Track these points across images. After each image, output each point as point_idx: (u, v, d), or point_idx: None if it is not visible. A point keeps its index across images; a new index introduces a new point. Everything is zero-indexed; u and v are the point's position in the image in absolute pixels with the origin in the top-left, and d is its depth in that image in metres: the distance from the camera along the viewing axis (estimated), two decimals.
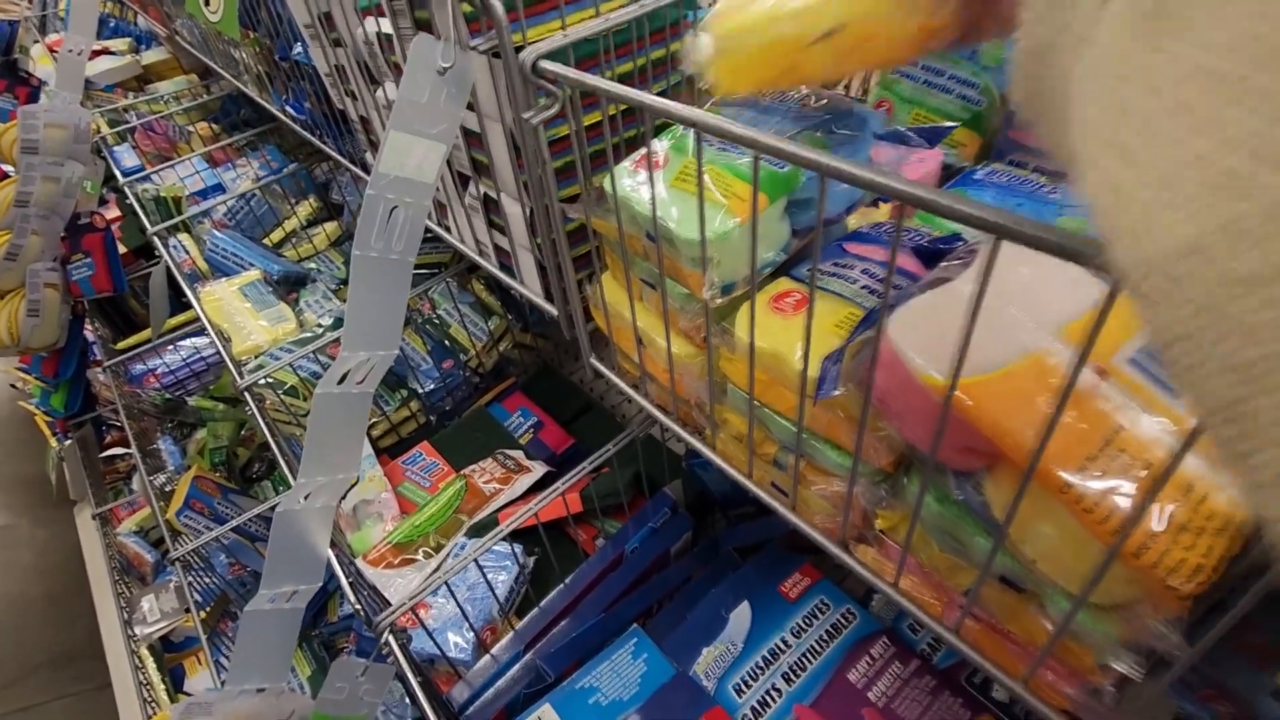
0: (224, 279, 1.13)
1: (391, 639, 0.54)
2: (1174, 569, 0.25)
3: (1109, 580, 0.28)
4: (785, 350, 0.38)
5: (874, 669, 0.55)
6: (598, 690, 0.55)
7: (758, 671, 0.55)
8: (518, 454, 0.89)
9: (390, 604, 0.60)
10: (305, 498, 0.57)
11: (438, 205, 0.73)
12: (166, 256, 1.17)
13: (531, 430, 0.97)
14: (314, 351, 0.93)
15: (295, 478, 0.55)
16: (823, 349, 0.37)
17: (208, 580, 1.27)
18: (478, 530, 0.76)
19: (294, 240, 1.40)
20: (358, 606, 0.57)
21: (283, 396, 0.92)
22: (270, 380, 0.91)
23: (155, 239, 1.20)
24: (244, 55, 1.06)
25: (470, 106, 0.54)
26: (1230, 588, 0.27)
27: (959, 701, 0.53)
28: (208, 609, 1.27)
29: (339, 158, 0.91)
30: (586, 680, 0.56)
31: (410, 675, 0.53)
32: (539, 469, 0.85)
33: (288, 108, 0.98)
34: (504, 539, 0.71)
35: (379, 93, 0.70)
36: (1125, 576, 0.27)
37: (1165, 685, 0.28)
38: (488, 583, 0.67)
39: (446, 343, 1.07)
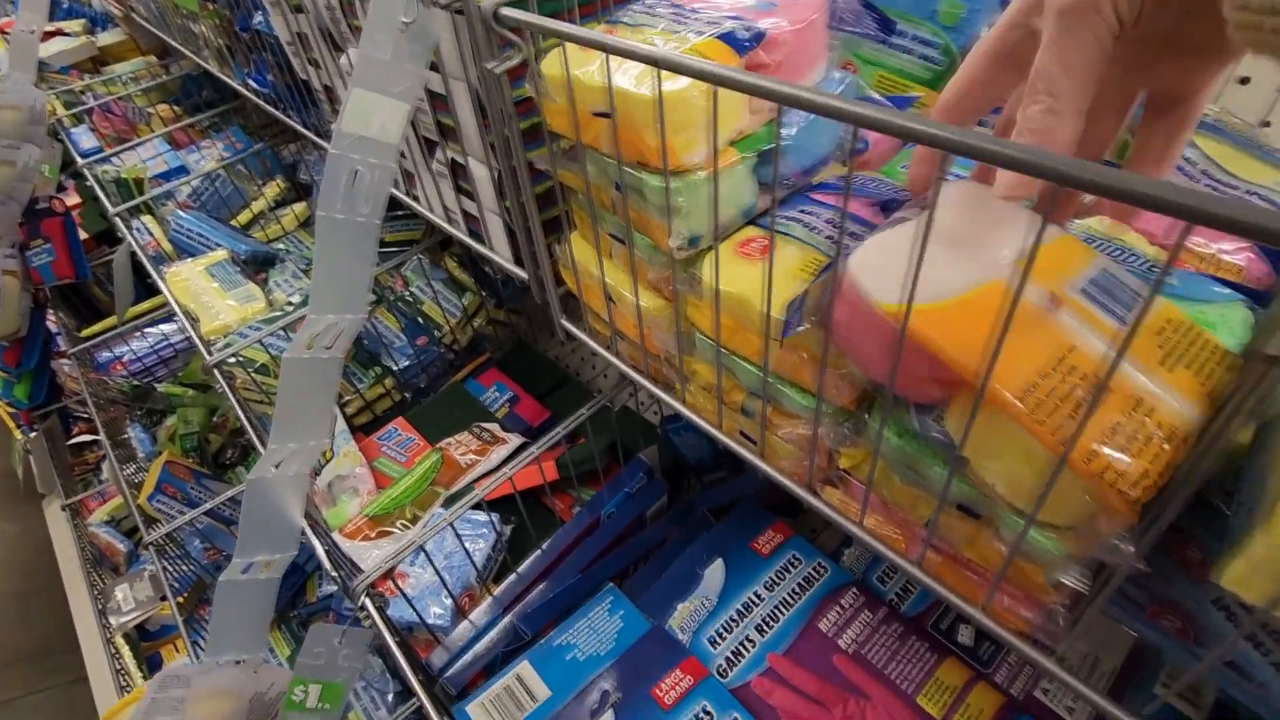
0: (190, 259, 1.11)
1: (369, 602, 0.54)
2: (1122, 474, 0.26)
3: (1062, 494, 0.29)
4: (751, 294, 0.38)
5: (844, 618, 0.57)
6: (574, 646, 0.55)
7: (731, 624, 0.57)
8: (493, 426, 0.89)
9: None
10: (277, 465, 0.56)
11: (406, 174, 0.72)
12: (129, 238, 1.15)
13: (507, 404, 0.97)
14: (284, 329, 0.92)
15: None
16: (787, 293, 0.38)
17: (183, 567, 1.26)
18: (454, 501, 0.76)
19: (262, 222, 1.38)
20: (334, 574, 0.57)
21: (253, 375, 0.91)
22: (240, 358, 0.90)
23: (117, 220, 1.18)
24: (203, 29, 1.04)
25: (435, 68, 0.54)
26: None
27: (925, 645, 0.55)
28: (184, 595, 1.26)
29: (304, 131, 0.89)
30: (563, 638, 0.56)
31: (389, 637, 0.53)
32: (515, 440, 0.86)
33: (250, 81, 0.96)
34: (481, 508, 0.71)
35: (342, 60, 0.69)
36: (1077, 488, 0.28)
37: (1108, 593, 0.29)
38: (465, 551, 0.67)
39: (420, 320, 1.06)
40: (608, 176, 0.42)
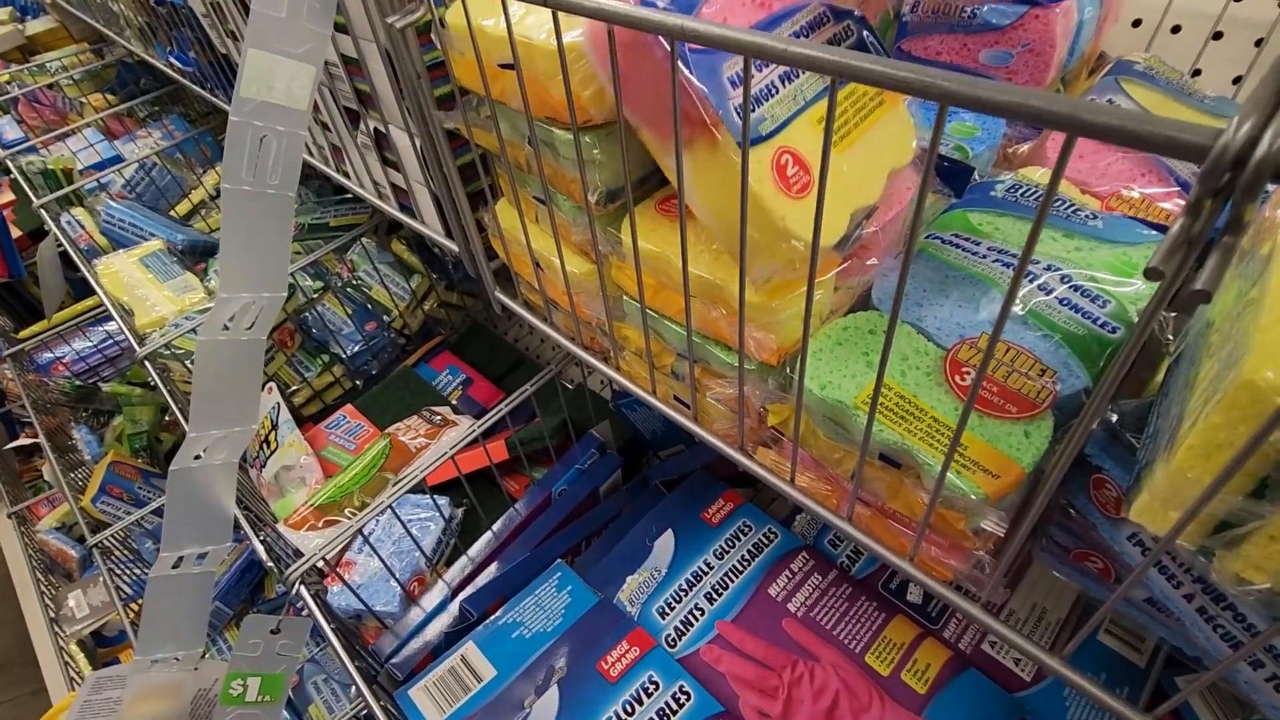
0: (123, 251, 1.07)
1: (305, 590, 0.53)
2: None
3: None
4: (672, 252, 0.37)
5: (794, 582, 0.56)
6: (521, 624, 0.54)
7: (681, 594, 0.56)
8: (444, 409, 0.87)
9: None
10: (200, 454, 0.54)
11: (333, 149, 0.69)
12: (56, 231, 1.10)
13: (461, 387, 0.95)
14: None
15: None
16: (710, 250, 0.37)
17: (137, 571, 1.22)
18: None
19: (203, 211, 1.33)
20: (270, 564, 0.55)
21: (190, 366, 0.88)
22: (176, 350, 0.87)
23: (43, 212, 1.12)
24: (122, 7, 0.99)
25: (345, 30, 0.51)
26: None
27: (874, 605, 0.54)
28: (139, 601, 1.23)
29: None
30: (510, 616, 0.55)
31: (325, 625, 0.51)
32: (467, 422, 0.84)
33: (173, 60, 0.92)
34: (424, 491, 0.69)
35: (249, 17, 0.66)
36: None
37: (1023, 536, 0.29)
38: (412, 536, 0.66)
39: (368, 305, 1.03)
40: (520, 133, 0.40)
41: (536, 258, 0.48)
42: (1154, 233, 0.38)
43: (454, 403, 0.92)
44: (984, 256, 0.38)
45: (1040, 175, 0.44)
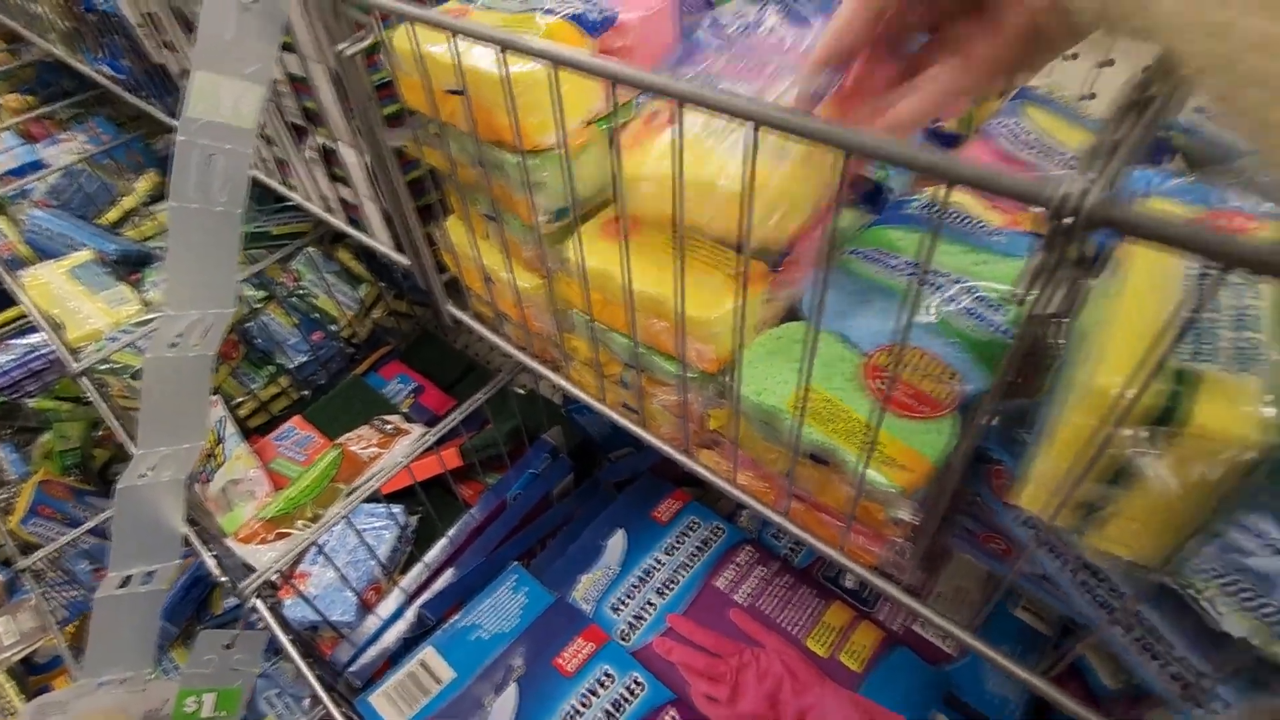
0: (51, 261, 1.03)
1: (260, 603, 0.53)
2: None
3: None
4: (615, 269, 0.39)
5: (740, 574, 0.59)
6: (479, 626, 0.56)
7: (633, 590, 0.58)
8: (396, 418, 0.87)
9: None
10: (148, 471, 0.54)
11: (279, 163, 0.69)
12: None
13: (412, 395, 0.95)
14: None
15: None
16: (650, 268, 0.39)
17: (71, 592, 1.18)
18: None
19: (135, 219, 1.29)
20: (223, 579, 0.55)
21: (130, 381, 0.86)
22: (113, 365, 0.84)
23: None
24: (44, 10, 0.95)
25: (293, 49, 0.52)
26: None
27: (814, 593, 0.58)
28: (75, 623, 1.18)
29: (167, 119, 0.84)
30: (468, 619, 0.57)
31: (283, 636, 0.52)
32: (419, 430, 0.84)
33: (103, 66, 0.89)
34: (383, 501, 0.70)
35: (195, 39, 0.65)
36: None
37: (935, 523, 0.32)
38: (367, 545, 0.66)
39: (315, 315, 1.02)
40: (468, 153, 0.42)
41: (487, 273, 0.50)
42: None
43: (405, 411, 0.92)
44: (900, 270, 0.42)
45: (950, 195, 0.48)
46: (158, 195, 1.32)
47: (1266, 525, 0.26)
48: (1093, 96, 0.64)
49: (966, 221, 0.44)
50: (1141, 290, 0.27)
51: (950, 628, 0.34)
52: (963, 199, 0.46)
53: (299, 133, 0.62)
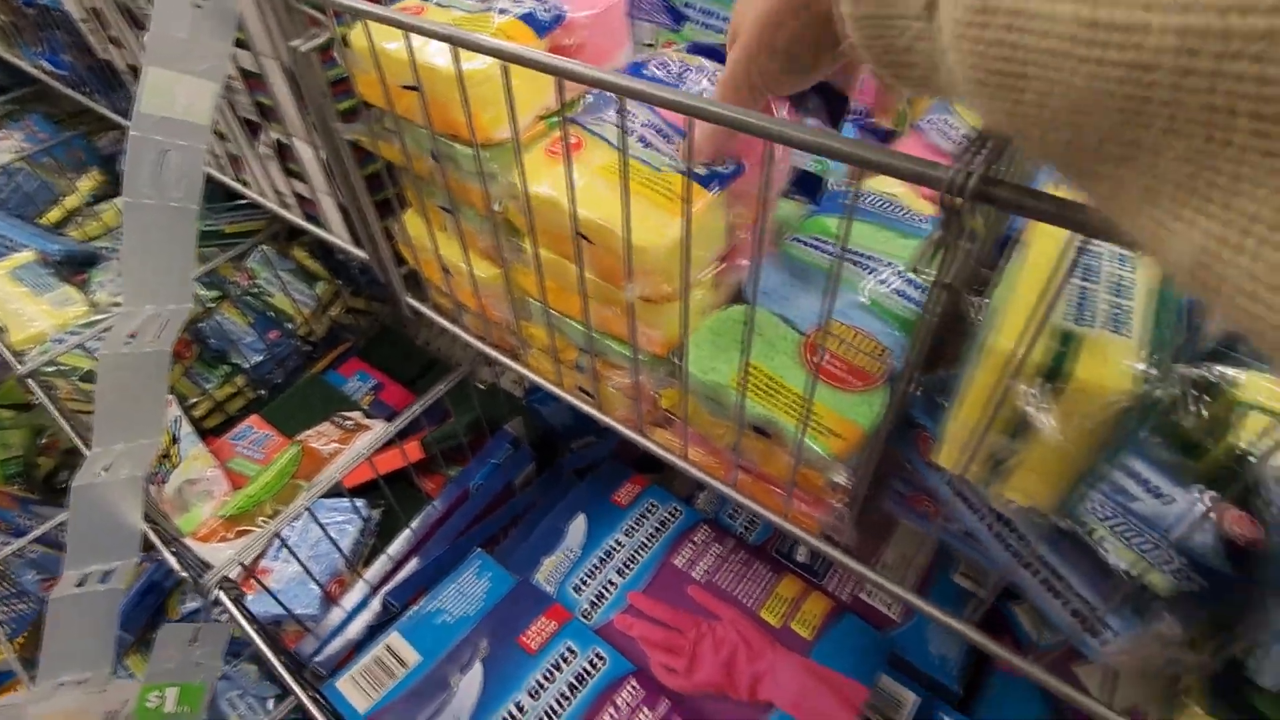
0: None
1: (223, 595, 0.53)
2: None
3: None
4: (560, 195, 0.38)
5: (697, 553, 0.62)
6: (444, 611, 0.57)
7: (594, 571, 0.60)
8: (356, 414, 0.87)
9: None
10: (105, 469, 0.54)
11: (232, 159, 0.69)
12: None
13: (372, 392, 0.95)
14: (104, 331, 0.85)
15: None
16: (605, 196, 0.39)
17: (19, 605, 1.14)
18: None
19: (79, 219, 1.25)
20: (185, 573, 0.55)
21: (79, 383, 0.84)
22: (61, 367, 0.83)
23: None
24: None
25: (247, 45, 0.52)
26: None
27: (767, 567, 0.61)
28: (23, 636, 1.14)
29: (113, 116, 0.83)
30: (432, 604, 0.58)
31: (247, 627, 0.52)
32: (380, 425, 0.85)
33: (43, 62, 0.87)
34: (342, 494, 0.71)
35: (146, 37, 0.65)
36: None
37: (864, 486, 0.35)
38: (330, 539, 0.67)
39: (270, 313, 1.02)
40: (424, 147, 0.44)
41: (445, 264, 0.51)
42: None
43: (365, 408, 0.92)
44: (836, 256, 0.45)
45: (881, 184, 0.51)
46: (102, 194, 1.29)
47: (1147, 472, 0.29)
48: None
49: (899, 210, 0.47)
50: (1039, 264, 0.30)
51: (892, 586, 0.37)
52: (896, 190, 0.49)
53: (253, 128, 0.62)
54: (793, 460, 0.37)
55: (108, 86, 0.79)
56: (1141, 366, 0.25)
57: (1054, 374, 0.25)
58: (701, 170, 0.38)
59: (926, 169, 0.22)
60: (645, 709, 0.50)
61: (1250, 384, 0.29)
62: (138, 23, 0.65)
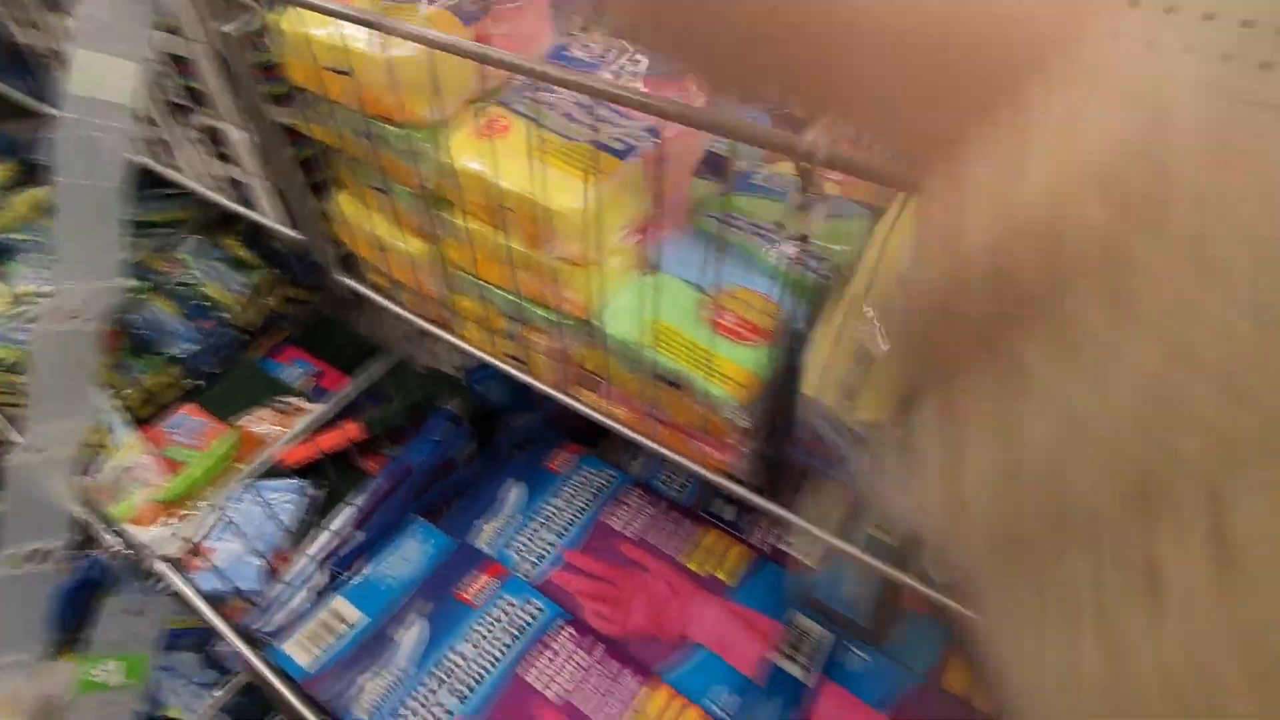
0: None
1: (166, 567, 0.55)
2: None
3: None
4: (489, 173, 0.41)
5: (630, 513, 0.66)
6: (387, 575, 0.60)
7: (532, 534, 0.64)
8: (295, 399, 0.88)
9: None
10: (39, 449, 0.54)
11: (162, 144, 0.69)
12: None
13: (311, 379, 0.96)
14: (32, 322, 0.83)
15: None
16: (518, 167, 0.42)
17: None
18: (261, 474, 0.76)
19: None
20: (123, 551, 0.56)
21: (6, 375, 0.82)
22: None
23: None
24: None
25: (175, 31, 0.53)
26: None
27: (694, 524, 0.66)
28: None
29: (31, 102, 0.81)
30: (376, 569, 0.61)
31: (192, 595, 0.54)
32: (319, 408, 0.86)
33: None
34: (288, 474, 0.72)
35: (69, 21, 0.65)
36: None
37: (761, 423, 0.40)
38: (274, 517, 0.68)
39: (203, 303, 1.01)
40: (355, 129, 0.46)
41: (380, 242, 0.54)
42: (860, 208, 0.52)
43: (305, 394, 0.93)
44: (743, 229, 0.49)
45: (788, 167, 0.56)
46: (15, 183, 1.24)
47: None
48: None
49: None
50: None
51: (808, 525, 0.42)
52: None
53: (183, 113, 0.63)
54: (700, 408, 0.42)
55: (25, 71, 0.77)
56: None
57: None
58: (618, 145, 0.42)
59: (786, 140, 0.27)
60: (581, 651, 0.54)
61: None
62: (54, 5, 0.65)
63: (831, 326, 0.32)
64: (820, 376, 0.34)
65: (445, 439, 0.77)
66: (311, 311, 1.12)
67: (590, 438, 0.78)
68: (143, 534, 0.71)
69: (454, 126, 0.43)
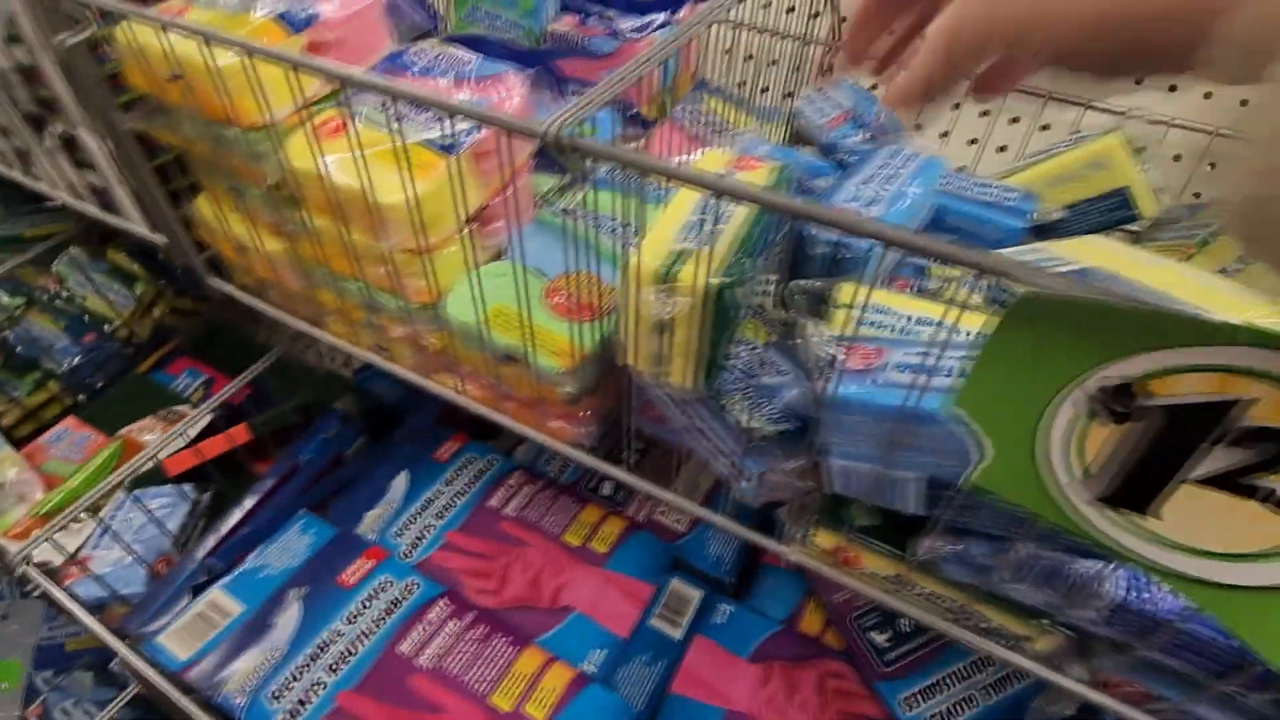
0: None
1: (34, 570, 0.55)
2: None
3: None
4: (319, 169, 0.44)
5: (510, 494, 0.70)
6: (267, 565, 0.62)
7: (414, 518, 0.67)
8: (183, 408, 0.88)
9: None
10: None
11: (20, 155, 0.69)
12: None
13: (202, 388, 0.95)
14: None
15: None
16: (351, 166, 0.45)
17: None
18: (139, 481, 0.76)
19: None
20: None
21: None
22: None
23: None
24: None
25: (19, 39, 0.54)
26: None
27: (574, 500, 0.70)
28: None
29: None
30: (256, 561, 0.62)
31: (62, 596, 0.54)
32: (206, 415, 0.86)
33: None
34: (170, 480, 0.72)
35: None
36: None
37: (590, 386, 0.44)
38: (155, 521, 0.69)
39: (84, 317, 0.99)
40: (199, 132, 0.48)
41: (239, 242, 0.56)
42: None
43: (195, 403, 0.93)
44: (587, 221, 0.54)
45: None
46: None
47: (772, 357, 0.40)
48: (766, 89, 0.81)
49: (655, 187, 0.57)
50: (675, 204, 0.40)
51: (654, 489, 0.47)
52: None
53: (38, 122, 0.63)
54: (533, 379, 0.46)
55: None
56: (717, 279, 0.35)
57: (666, 279, 0.35)
58: (444, 142, 0.46)
59: (529, 125, 0.31)
60: (454, 619, 0.57)
61: (845, 290, 0.41)
62: None
63: (630, 299, 0.37)
64: (633, 347, 0.39)
65: (334, 436, 0.78)
66: (203, 321, 1.11)
67: (486, 432, 0.81)
68: (13, 546, 0.70)
69: (290, 129, 0.46)
